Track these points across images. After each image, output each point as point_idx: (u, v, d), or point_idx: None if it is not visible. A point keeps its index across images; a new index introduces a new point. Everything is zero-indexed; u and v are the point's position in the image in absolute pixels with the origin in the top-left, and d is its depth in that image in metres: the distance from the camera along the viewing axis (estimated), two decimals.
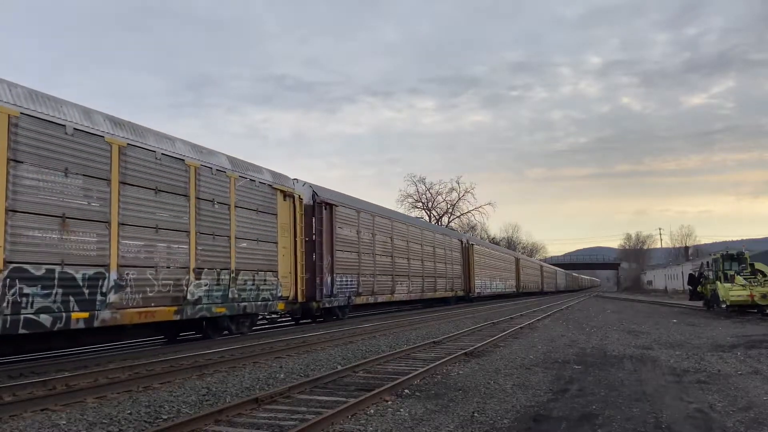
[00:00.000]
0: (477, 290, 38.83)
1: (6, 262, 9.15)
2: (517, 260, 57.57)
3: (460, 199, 73.66)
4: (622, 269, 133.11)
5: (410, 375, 8.54)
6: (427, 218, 69.23)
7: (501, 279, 48.30)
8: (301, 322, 20.19)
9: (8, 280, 9.14)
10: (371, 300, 23.24)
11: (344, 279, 20.70)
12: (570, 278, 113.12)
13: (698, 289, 30.52)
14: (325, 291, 19.16)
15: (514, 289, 53.65)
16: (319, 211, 19.35)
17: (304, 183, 18.97)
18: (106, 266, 10.87)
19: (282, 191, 16.75)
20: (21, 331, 9.29)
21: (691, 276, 32.52)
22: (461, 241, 38.03)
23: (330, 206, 20.07)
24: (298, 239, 17.33)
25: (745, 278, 24.96)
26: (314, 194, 19.24)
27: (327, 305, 19.45)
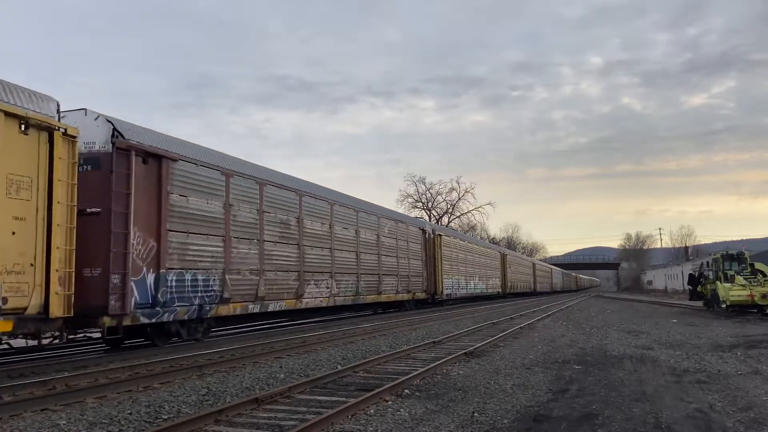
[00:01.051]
0: (446, 291, 31.96)
1: None
2: (504, 256, 51.07)
3: (460, 199, 73.77)
4: (622, 269, 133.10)
5: (410, 375, 8.55)
6: (427, 218, 69.27)
7: (482, 278, 41.29)
8: (126, 345, 12.93)
9: None
10: (255, 309, 15.33)
11: (190, 278, 13.11)
12: (567, 278, 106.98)
13: (698, 289, 30.54)
14: (137, 297, 11.69)
15: (500, 290, 47.54)
16: (124, 163, 11.67)
17: (98, 116, 11.70)
18: None
19: (14, 116, 9.11)
20: None
21: (691, 276, 32.55)
22: (423, 230, 30.28)
23: (156, 158, 12.52)
24: (58, 205, 9.65)
25: (745, 278, 24.97)
26: (115, 134, 11.56)
27: (145, 320, 11.88)
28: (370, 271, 23.00)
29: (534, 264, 70.46)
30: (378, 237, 24.22)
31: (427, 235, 30.56)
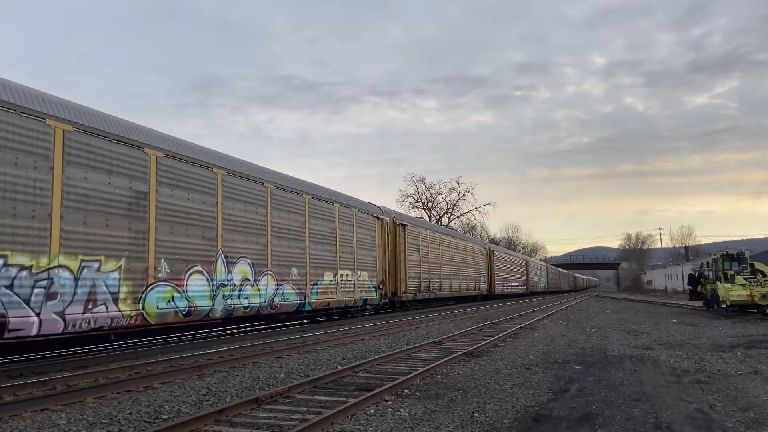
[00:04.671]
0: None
1: None
2: (399, 228, 26.31)
3: (460, 199, 73.64)
4: (622, 269, 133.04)
5: (410, 375, 8.54)
6: (427, 218, 69.23)
7: (287, 272, 16.80)
8: None
9: None
10: None
11: None
12: (556, 276, 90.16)
13: (698, 289, 30.53)
14: None
15: (374, 294, 22.87)
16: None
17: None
18: None
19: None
20: None
21: (691, 276, 32.53)
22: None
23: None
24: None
25: (745, 278, 24.96)
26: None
27: None
28: None
29: (490, 251, 45.95)
30: None
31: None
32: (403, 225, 27.10)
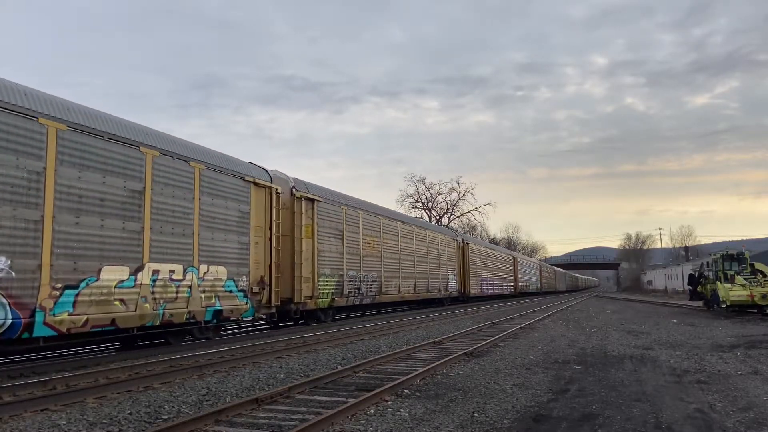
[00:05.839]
0: None
1: None
2: (292, 203, 18.05)
3: (460, 199, 73.65)
4: (622, 269, 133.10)
5: (410, 375, 8.54)
6: (427, 218, 69.22)
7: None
8: None
9: None
10: None
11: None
12: (551, 274, 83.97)
13: (698, 289, 30.54)
14: None
15: (242, 303, 14.49)
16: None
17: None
18: None
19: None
20: None
21: (691, 276, 32.53)
22: None
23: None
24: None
25: (745, 278, 24.96)
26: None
27: None
28: None
29: (464, 244, 37.99)
30: None
31: None
32: (312, 200, 18.72)
